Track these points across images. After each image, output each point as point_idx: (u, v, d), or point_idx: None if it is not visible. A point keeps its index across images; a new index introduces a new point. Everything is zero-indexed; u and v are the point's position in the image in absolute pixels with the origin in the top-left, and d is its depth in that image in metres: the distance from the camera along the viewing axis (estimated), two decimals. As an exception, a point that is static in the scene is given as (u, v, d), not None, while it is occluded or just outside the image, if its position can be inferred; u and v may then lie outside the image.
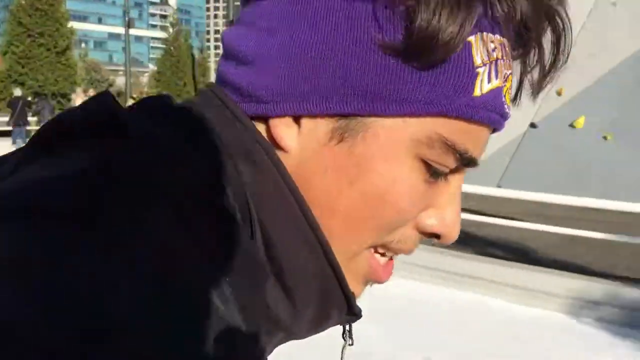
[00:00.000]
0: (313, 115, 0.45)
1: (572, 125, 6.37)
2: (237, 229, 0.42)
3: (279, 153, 0.46)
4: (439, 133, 0.45)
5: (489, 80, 0.45)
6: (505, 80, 0.47)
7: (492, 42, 0.45)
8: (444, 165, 0.46)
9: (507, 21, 0.45)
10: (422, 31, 0.42)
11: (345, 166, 0.45)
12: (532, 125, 6.53)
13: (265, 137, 0.46)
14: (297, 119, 0.46)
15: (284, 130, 0.46)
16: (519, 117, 5.86)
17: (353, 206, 0.45)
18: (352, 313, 0.50)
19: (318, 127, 0.45)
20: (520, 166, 6.32)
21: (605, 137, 6.17)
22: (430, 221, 0.48)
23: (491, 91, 0.45)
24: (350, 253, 0.48)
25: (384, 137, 0.45)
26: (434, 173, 0.46)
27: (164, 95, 0.49)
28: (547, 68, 0.49)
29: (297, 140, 0.46)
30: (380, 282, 0.50)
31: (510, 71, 0.48)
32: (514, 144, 6.50)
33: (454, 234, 0.49)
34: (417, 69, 0.43)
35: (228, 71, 0.49)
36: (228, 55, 0.49)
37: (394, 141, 0.45)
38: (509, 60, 0.47)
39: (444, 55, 0.43)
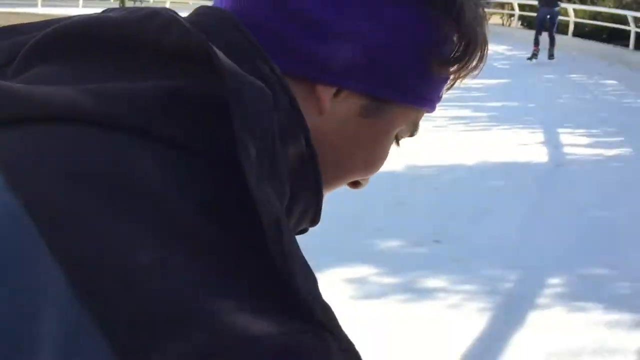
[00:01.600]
0: (355, 92, 0.52)
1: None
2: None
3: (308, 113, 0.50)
4: (418, 117, 0.58)
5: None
6: None
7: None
8: (403, 137, 0.60)
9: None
10: (471, 59, 0.55)
11: (362, 135, 0.55)
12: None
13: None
14: (339, 90, 0.52)
15: (327, 95, 0.52)
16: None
17: (354, 165, 0.57)
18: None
19: (351, 100, 0.52)
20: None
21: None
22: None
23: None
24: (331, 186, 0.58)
25: (398, 120, 0.55)
26: (396, 141, 0.60)
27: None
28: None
29: (331, 106, 0.52)
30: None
31: None
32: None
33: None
34: (442, 79, 0.56)
35: (278, 24, 0.50)
36: (277, 2, 0.50)
37: (401, 123, 0.56)
38: None
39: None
